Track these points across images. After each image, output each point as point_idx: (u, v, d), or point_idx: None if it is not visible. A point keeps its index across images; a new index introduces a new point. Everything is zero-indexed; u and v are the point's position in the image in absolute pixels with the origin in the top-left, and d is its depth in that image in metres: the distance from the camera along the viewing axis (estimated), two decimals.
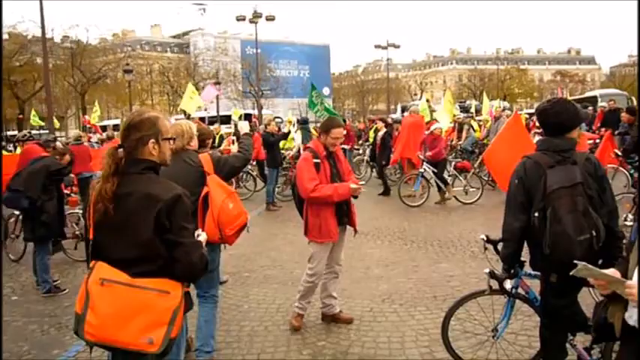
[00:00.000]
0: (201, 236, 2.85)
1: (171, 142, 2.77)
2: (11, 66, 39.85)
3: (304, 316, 5.18)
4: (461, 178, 11.70)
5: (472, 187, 11.42)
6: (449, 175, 11.72)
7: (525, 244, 3.51)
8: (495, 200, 10.88)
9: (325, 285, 5.15)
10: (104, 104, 49.96)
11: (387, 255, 7.57)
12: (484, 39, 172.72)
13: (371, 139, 15.45)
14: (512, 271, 3.61)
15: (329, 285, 5.15)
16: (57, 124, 19.96)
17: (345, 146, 13.55)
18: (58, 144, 8.39)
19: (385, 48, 52.14)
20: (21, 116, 40.26)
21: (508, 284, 3.76)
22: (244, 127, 5.94)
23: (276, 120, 22.50)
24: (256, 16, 37.78)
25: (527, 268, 3.70)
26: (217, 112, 36.13)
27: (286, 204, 11.98)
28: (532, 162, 3.33)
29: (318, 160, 4.84)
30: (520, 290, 3.84)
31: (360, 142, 20.18)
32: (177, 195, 2.58)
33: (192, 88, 17.31)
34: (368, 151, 15.99)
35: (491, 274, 3.67)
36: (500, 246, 3.71)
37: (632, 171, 10.26)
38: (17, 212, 7.76)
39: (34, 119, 22.27)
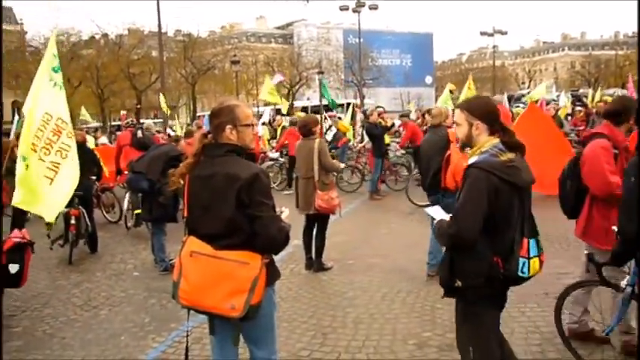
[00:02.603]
0: (285, 212, 3.02)
1: (252, 127, 3.00)
2: (130, 59, 42.75)
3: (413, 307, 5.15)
4: None
5: None
6: None
7: None
8: None
9: (583, 297, 4.29)
10: (212, 94, 52.19)
11: None
12: (600, 22, 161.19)
13: None
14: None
15: (587, 298, 4.31)
16: (167, 109, 21.19)
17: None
18: (170, 131, 8.91)
19: (491, 35, 50.32)
20: (139, 106, 43.00)
21: (624, 281, 3.54)
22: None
23: (378, 109, 22.43)
24: (359, 5, 37.75)
25: None
26: (320, 101, 36.59)
27: (390, 194, 11.97)
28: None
29: (617, 151, 3.94)
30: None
31: None
32: (255, 173, 2.78)
33: (270, 84, 17.99)
34: None
35: (590, 258, 3.48)
36: (604, 269, 3.48)
37: None
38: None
39: (85, 115, 23.80)
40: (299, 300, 5.63)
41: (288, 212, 3.05)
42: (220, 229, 2.79)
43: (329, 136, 15.86)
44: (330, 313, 5.25)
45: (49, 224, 7.66)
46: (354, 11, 38.02)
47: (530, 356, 4.23)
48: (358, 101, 37.39)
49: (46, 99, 5.43)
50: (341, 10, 40.56)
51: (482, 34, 50.75)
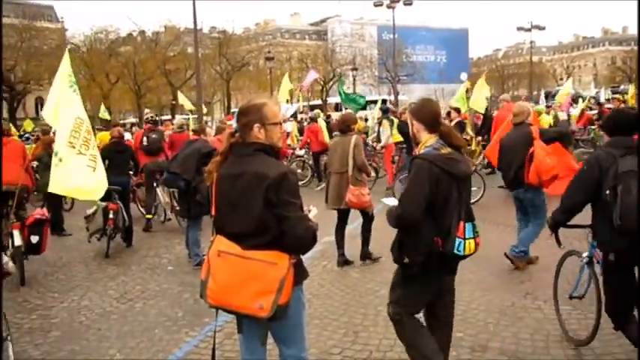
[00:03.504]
0: (312, 211, 3.00)
1: (280, 126, 2.98)
2: (167, 56, 43.40)
3: None
4: None
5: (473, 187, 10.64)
6: None
7: None
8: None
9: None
10: (246, 90, 52.56)
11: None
12: None
13: None
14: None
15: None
16: (190, 107, 21.48)
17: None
18: (209, 131, 8.97)
19: (529, 30, 49.33)
20: (174, 102, 43.59)
21: (585, 253, 4.24)
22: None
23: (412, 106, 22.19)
24: (394, 1, 37.48)
25: None
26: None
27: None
28: (604, 154, 3.77)
29: None
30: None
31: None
32: (284, 172, 2.78)
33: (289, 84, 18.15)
34: None
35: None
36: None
37: None
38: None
39: (103, 114, 24.12)
40: (330, 297, 5.63)
41: (316, 211, 3.03)
42: (248, 229, 2.79)
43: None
44: (362, 311, 5.24)
45: (87, 217, 7.88)
46: (389, 7, 37.77)
47: (565, 359, 4.16)
48: (392, 97, 37.20)
49: (75, 105, 6.28)
50: (375, 6, 40.31)
51: (519, 29, 49.81)
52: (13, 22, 44.56)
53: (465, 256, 3.27)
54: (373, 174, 12.60)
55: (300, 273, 2.87)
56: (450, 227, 3.19)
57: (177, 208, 9.24)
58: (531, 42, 53.84)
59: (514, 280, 5.97)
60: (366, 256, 6.83)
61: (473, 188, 10.59)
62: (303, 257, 3.00)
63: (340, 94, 17.94)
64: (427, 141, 3.33)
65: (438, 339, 3.48)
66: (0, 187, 5.36)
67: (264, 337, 2.97)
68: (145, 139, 9.82)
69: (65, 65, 6.43)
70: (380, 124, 13.23)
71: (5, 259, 4.15)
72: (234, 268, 2.75)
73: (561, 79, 65.47)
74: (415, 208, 3.18)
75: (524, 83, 62.25)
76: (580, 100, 21.45)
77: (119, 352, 4.61)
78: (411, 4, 39.44)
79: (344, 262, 6.70)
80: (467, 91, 14.97)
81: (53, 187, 5.89)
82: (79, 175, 5.96)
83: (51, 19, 53.91)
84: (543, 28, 50.22)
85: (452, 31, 73.38)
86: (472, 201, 10.16)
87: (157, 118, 14.37)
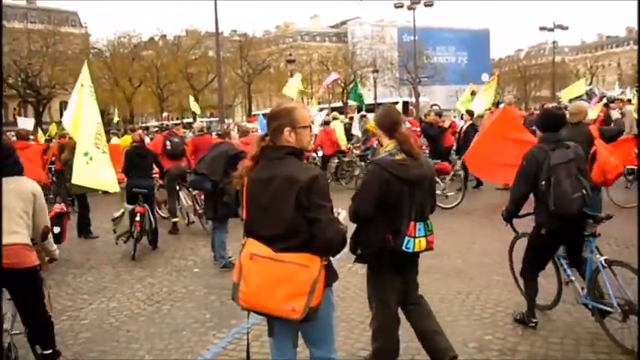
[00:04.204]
0: (342, 214, 3.02)
1: (310, 129, 3.05)
2: (188, 59, 43.82)
3: (472, 309, 5.09)
4: (439, 181, 10.23)
5: (451, 192, 10.61)
6: None
7: None
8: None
9: None
10: (267, 93, 52.80)
11: None
12: None
13: None
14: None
15: None
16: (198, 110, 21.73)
17: None
18: (234, 134, 9.02)
19: (551, 30, 48.75)
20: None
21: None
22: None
23: (434, 108, 22.13)
24: (415, 2, 37.32)
25: None
26: (375, 99, 36.50)
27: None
28: (537, 148, 4.44)
29: None
30: None
31: None
32: (315, 176, 2.82)
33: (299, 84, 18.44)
34: None
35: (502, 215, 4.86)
36: None
37: None
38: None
39: (116, 118, 24.60)
40: (357, 300, 5.62)
41: (345, 214, 3.05)
42: (279, 231, 2.81)
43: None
44: None
45: (115, 220, 8.02)
46: (410, 8, 37.59)
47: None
48: (413, 99, 37.05)
49: (96, 111, 7.44)
50: (396, 7, 40.10)
51: (541, 29, 49.25)
52: (39, 27, 45.46)
53: (415, 253, 3.69)
54: None
55: (330, 275, 2.89)
56: (401, 226, 3.56)
57: (200, 211, 9.39)
58: (554, 42, 53.18)
59: (542, 283, 5.88)
60: None
61: (451, 193, 10.66)
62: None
63: (354, 92, 17.94)
64: (387, 146, 3.69)
65: (426, 327, 3.88)
66: None
67: (296, 338, 2.98)
68: (167, 143, 9.88)
69: (85, 75, 7.43)
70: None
71: (54, 246, 4.45)
72: (266, 270, 2.77)
73: (585, 79, 64.49)
74: (365, 206, 3.58)
75: (546, 84, 61.45)
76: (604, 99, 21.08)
77: (148, 353, 4.67)
78: (431, 5, 39.20)
79: None
80: (472, 94, 14.86)
81: (77, 179, 7.14)
82: (104, 170, 7.25)
83: (75, 25, 54.82)
84: (566, 28, 49.64)
85: (473, 32, 72.71)
86: (451, 205, 10.46)
87: (167, 123, 14.48)
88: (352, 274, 6.52)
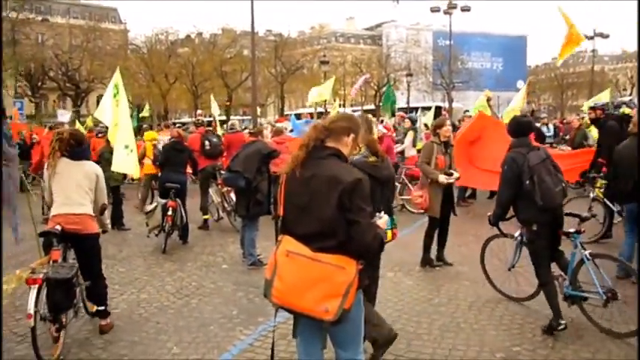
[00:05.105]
0: (382, 219, 3.02)
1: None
2: (223, 58, 44.23)
3: (501, 319, 5.03)
4: (411, 186, 10.07)
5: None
6: (399, 183, 10.45)
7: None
8: None
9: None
10: (300, 94, 52.91)
11: None
12: None
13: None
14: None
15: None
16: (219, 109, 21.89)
17: None
18: (266, 133, 9.07)
19: (591, 38, 47.67)
20: (228, 103, 44.36)
21: (516, 233, 5.48)
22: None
23: (467, 114, 21.78)
24: (451, 7, 37.03)
25: None
26: (407, 103, 36.29)
27: (477, 201, 11.70)
28: (515, 153, 4.91)
29: None
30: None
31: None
32: (358, 179, 2.82)
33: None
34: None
35: (489, 219, 5.25)
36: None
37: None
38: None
39: (145, 112, 24.76)
40: (384, 303, 5.59)
41: (386, 218, 3.04)
42: (316, 230, 2.81)
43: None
44: (415, 319, 5.20)
45: (147, 213, 8.17)
46: (446, 13, 37.31)
47: None
48: (446, 104, 36.70)
49: (127, 110, 8.31)
50: (432, 11, 39.90)
51: None
52: (81, 23, 46.51)
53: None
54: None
55: (363, 278, 2.87)
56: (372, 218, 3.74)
57: (229, 208, 9.50)
58: (593, 50, 52.03)
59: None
60: (440, 259, 6.98)
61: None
62: None
63: (386, 96, 17.82)
64: (361, 149, 4.09)
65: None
66: None
67: (325, 340, 2.95)
68: (207, 142, 10.01)
69: (118, 76, 8.38)
70: (406, 133, 13.08)
71: (108, 220, 5.40)
72: (303, 269, 2.77)
73: (624, 89, 62.92)
74: None
75: (583, 93, 60.05)
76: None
77: (176, 345, 4.73)
78: (469, 10, 38.84)
79: (426, 261, 6.96)
80: (488, 100, 14.66)
81: (116, 167, 8.09)
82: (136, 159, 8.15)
83: (115, 21, 55.92)
84: (607, 36, 48.49)
85: (509, 38, 71.72)
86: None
87: (202, 119, 14.56)
88: (380, 277, 6.46)
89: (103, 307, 5.02)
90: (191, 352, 4.60)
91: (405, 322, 5.15)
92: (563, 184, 4.91)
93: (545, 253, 4.94)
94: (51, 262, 4.52)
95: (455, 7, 37.26)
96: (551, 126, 19.66)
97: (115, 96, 7.98)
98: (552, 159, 5.06)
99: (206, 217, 9.78)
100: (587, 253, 4.84)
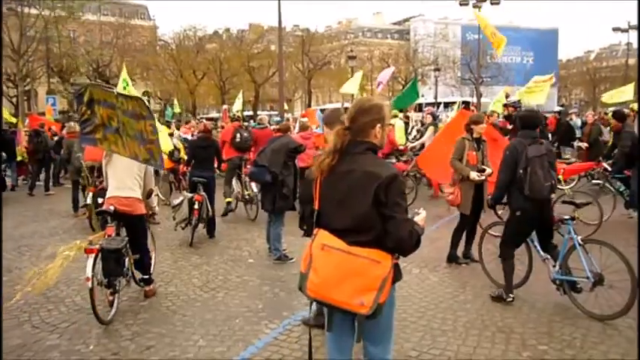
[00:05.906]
0: (420, 215, 2.98)
1: (389, 127, 3.03)
2: (250, 53, 44.47)
3: (528, 317, 4.97)
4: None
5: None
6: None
7: None
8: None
9: None
10: (327, 89, 52.92)
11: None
12: None
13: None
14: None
15: None
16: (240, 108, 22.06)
17: None
18: (295, 131, 9.13)
19: (625, 31, 46.62)
20: (251, 99, 44.60)
21: None
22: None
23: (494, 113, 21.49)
24: (480, 0, 36.51)
25: None
26: (435, 98, 35.99)
27: None
28: (518, 141, 5.31)
29: None
30: None
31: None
32: (395, 174, 2.81)
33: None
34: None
35: (489, 204, 5.91)
36: None
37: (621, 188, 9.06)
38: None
39: (176, 108, 24.86)
40: (409, 299, 5.59)
41: (424, 214, 3.00)
42: (352, 225, 2.80)
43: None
44: (440, 316, 5.17)
45: (174, 207, 8.29)
46: (475, 6, 36.79)
47: None
48: (474, 99, 36.28)
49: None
50: (461, 5, 39.39)
51: (614, 29, 47.15)
52: (111, 20, 47.24)
53: None
54: (412, 183, 11.62)
55: (397, 273, 2.86)
56: None
57: (247, 197, 9.95)
58: (627, 43, 50.81)
59: (606, 296, 5.67)
60: (467, 255, 6.95)
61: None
62: None
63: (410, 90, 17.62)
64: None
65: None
66: None
67: (359, 334, 2.86)
68: (238, 135, 10.28)
69: (125, 74, 8.76)
70: (427, 128, 12.96)
71: (155, 202, 6.10)
72: (338, 262, 2.75)
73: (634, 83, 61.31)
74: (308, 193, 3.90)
75: (617, 87, 58.79)
76: None
77: (202, 338, 4.79)
78: (498, 3, 38.25)
79: (452, 257, 6.95)
80: (506, 97, 14.46)
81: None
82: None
83: (144, 18, 56.67)
84: None
85: (540, 32, 70.52)
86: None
87: (238, 115, 14.85)
88: (406, 273, 6.41)
89: (147, 276, 5.82)
90: (217, 345, 4.65)
91: (429, 318, 5.12)
92: (553, 181, 5.28)
93: (518, 239, 5.51)
94: (105, 235, 5.32)
95: (484, 0, 36.73)
96: (578, 120, 19.23)
97: (124, 89, 8.58)
98: (552, 156, 5.39)
99: (229, 199, 10.15)
100: (579, 238, 5.21)
